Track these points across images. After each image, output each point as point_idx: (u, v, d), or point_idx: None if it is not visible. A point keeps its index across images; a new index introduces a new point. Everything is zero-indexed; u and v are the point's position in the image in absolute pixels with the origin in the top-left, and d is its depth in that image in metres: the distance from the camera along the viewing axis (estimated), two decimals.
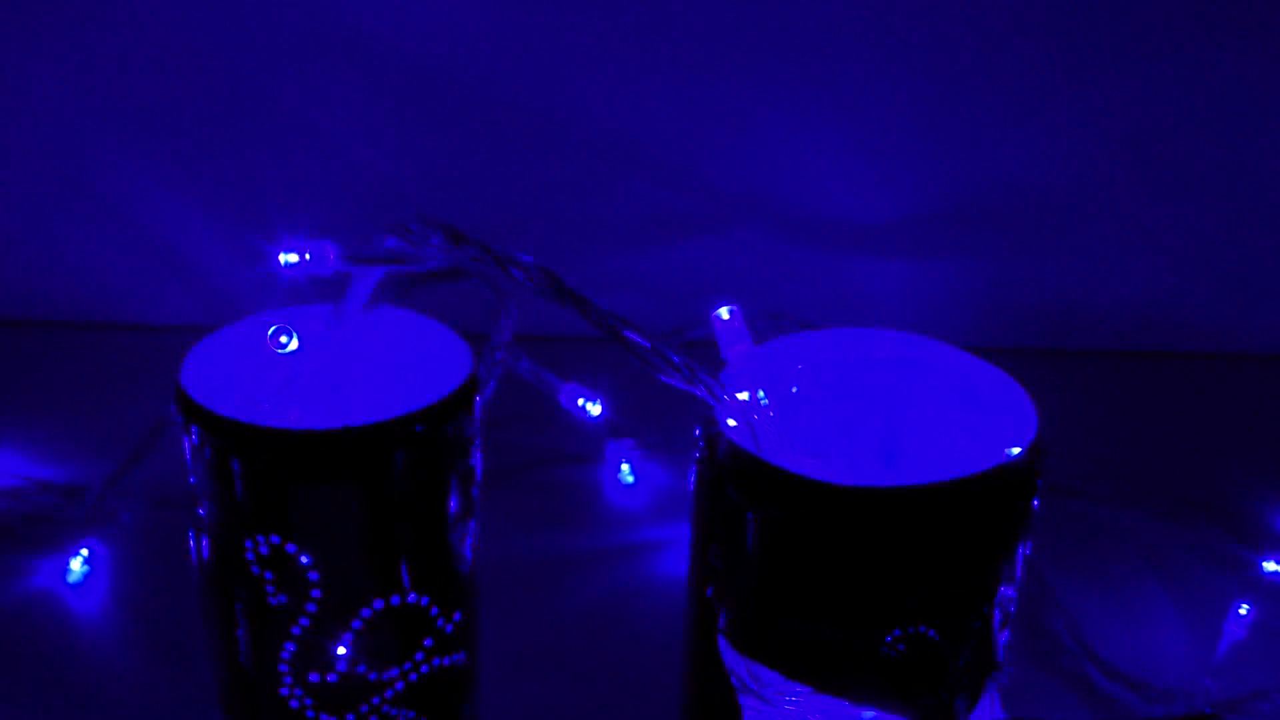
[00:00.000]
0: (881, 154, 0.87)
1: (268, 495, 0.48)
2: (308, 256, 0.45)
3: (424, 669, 0.52)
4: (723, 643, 0.47)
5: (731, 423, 0.45)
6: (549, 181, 0.88)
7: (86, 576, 0.75)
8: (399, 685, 0.52)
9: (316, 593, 0.49)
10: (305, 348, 0.51)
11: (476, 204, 0.85)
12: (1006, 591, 0.46)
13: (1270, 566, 0.74)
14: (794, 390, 0.49)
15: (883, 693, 0.46)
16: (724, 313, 0.46)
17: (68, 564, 0.75)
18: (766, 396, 0.45)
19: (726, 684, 0.47)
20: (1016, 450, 0.45)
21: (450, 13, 0.84)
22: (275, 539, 0.49)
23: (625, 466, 0.67)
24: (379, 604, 0.50)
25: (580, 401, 0.59)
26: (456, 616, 0.53)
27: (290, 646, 0.50)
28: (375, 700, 0.52)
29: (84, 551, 0.75)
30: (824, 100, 0.87)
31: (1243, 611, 0.70)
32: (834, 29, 0.85)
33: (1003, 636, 0.48)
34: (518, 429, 0.80)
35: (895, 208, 0.90)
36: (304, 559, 0.49)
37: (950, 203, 0.90)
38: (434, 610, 0.52)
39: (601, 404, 0.59)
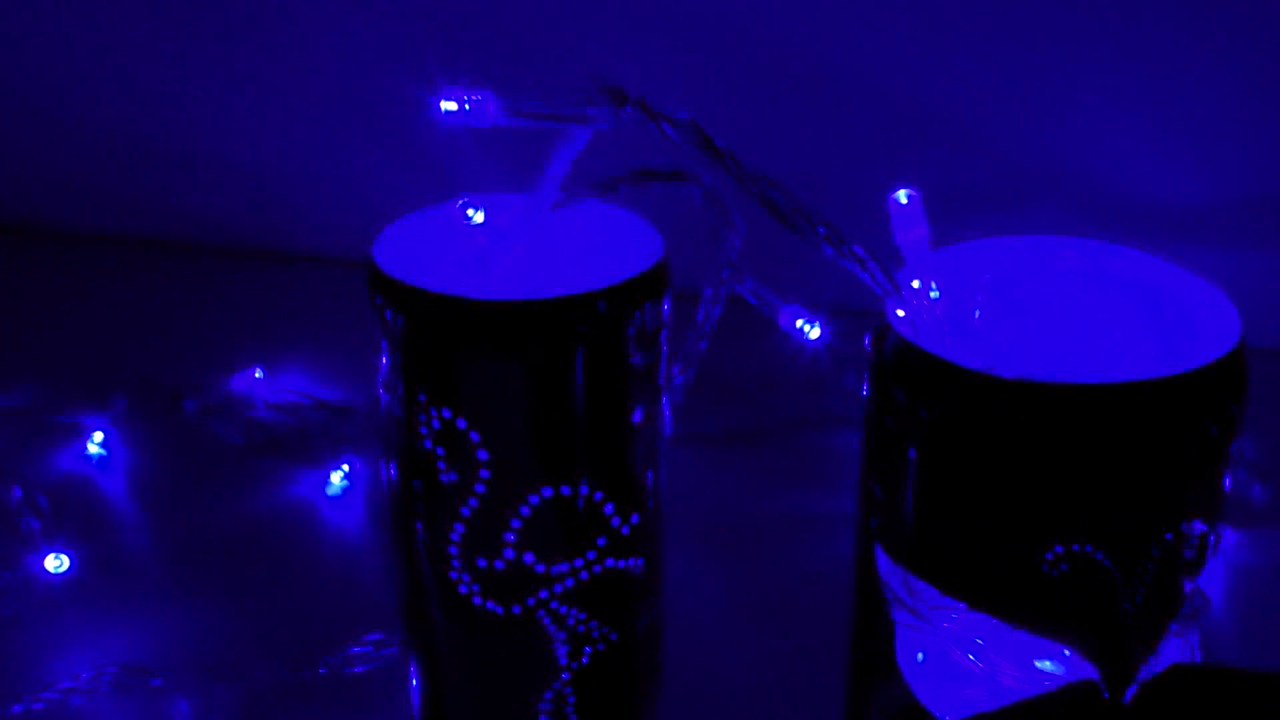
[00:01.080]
0: (1201, 133, 0.82)
1: (439, 365, 0.48)
2: (467, 105, 0.45)
3: (596, 569, 0.51)
4: (879, 550, 0.44)
5: (900, 313, 0.43)
6: (841, 146, 0.86)
7: (345, 490, 0.77)
8: (569, 582, 0.51)
9: (485, 473, 0.49)
10: (501, 231, 0.51)
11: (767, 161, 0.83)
12: (1196, 522, 0.42)
13: None
14: (976, 306, 0.46)
15: (1043, 617, 0.42)
16: (902, 196, 0.43)
17: (329, 477, 0.77)
18: (939, 290, 0.42)
19: (883, 599, 0.45)
20: (1212, 358, 0.41)
21: None
22: (446, 413, 0.48)
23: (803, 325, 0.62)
24: (548, 492, 0.49)
25: (799, 323, 0.57)
26: (634, 519, 0.51)
27: (459, 528, 0.50)
28: (543, 594, 0.51)
29: (345, 467, 0.77)
30: (1139, 73, 0.82)
31: None
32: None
33: (1198, 576, 0.43)
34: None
35: (1213, 192, 0.84)
36: (474, 435, 0.48)
37: (1275, 189, 0.84)
38: (608, 508, 0.50)
39: (822, 329, 0.57)
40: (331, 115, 0.95)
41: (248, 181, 0.99)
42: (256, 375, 0.83)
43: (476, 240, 0.51)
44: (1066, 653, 0.42)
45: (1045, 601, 0.42)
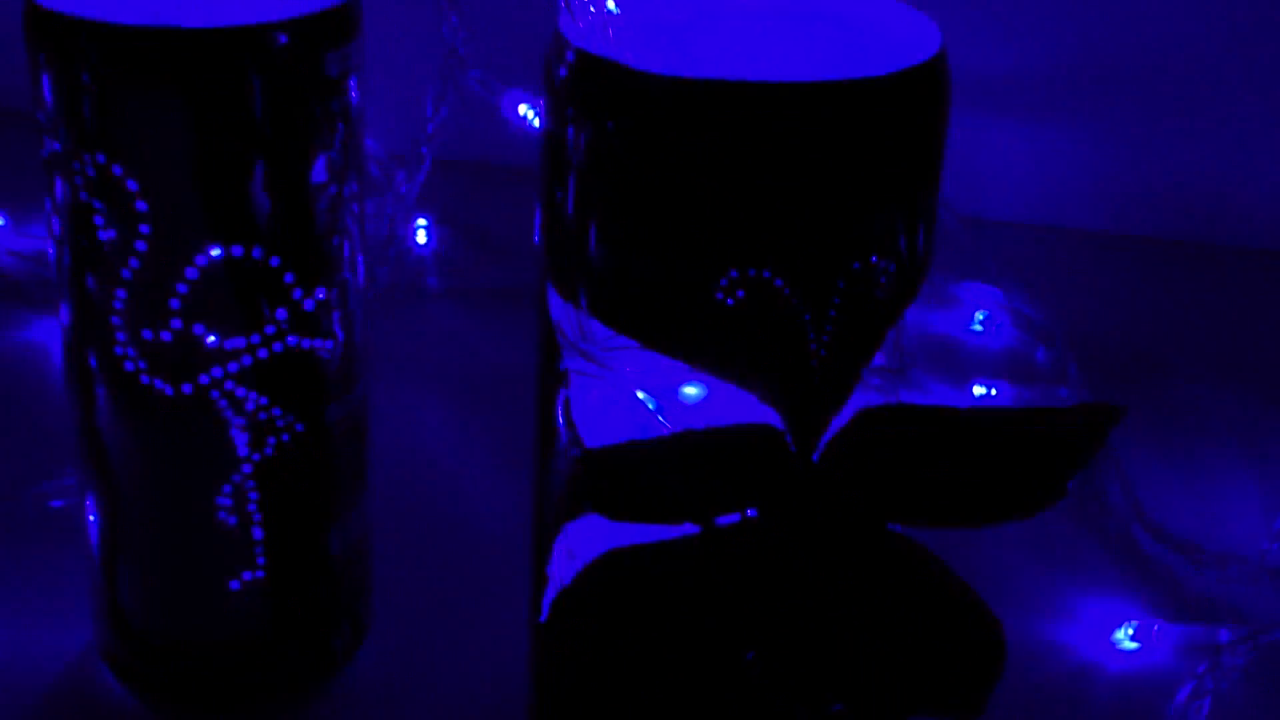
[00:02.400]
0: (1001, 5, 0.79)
1: (91, 100, 0.43)
2: None
3: (276, 346, 0.47)
4: (550, 292, 0.40)
5: (577, 24, 0.38)
6: None
7: None
8: (245, 359, 0.46)
9: (145, 228, 0.44)
10: None
11: None
12: (885, 259, 0.38)
13: None
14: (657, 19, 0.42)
15: (723, 356, 0.38)
16: None
17: None
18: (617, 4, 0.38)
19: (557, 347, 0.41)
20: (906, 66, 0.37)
21: None
22: (101, 158, 0.44)
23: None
24: (217, 252, 0.45)
25: (522, 109, 0.53)
26: (320, 293, 0.47)
27: (121, 294, 0.45)
28: (217, 372, 0.46)
29: None
30: None
31: None
32: None
33: (895, 322, 0.40)
34: None
35: (1010, 57, 0.81)
36: (131, 184, 0.44)
37: (1073, 58, 0.81)
38: (288, 277, 0.46)
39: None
40: None
41: None
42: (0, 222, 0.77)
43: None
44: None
45: (724, 337, 0.38)
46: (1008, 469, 0.38)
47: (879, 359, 0.40)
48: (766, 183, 0.36)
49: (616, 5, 0.38)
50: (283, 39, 0.43)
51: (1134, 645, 0.57)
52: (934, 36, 0.39)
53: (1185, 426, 0.69)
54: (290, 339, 0.47)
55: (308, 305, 0.47)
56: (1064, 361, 0.70)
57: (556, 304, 0.40)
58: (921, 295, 0.41)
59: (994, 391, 0.70)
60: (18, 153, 0.89)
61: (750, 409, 0.38)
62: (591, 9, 0.38)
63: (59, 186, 0.45)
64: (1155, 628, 0.56)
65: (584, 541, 0.41)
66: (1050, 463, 0.38)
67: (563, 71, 0.39)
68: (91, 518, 0.50)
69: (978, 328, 0.75)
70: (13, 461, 0.62)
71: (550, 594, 0.43)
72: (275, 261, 0.46)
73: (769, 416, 0.38)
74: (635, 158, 0.37)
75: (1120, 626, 0.57)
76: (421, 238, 0.73)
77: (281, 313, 0.46)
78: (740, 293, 0.37)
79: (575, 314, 0.39)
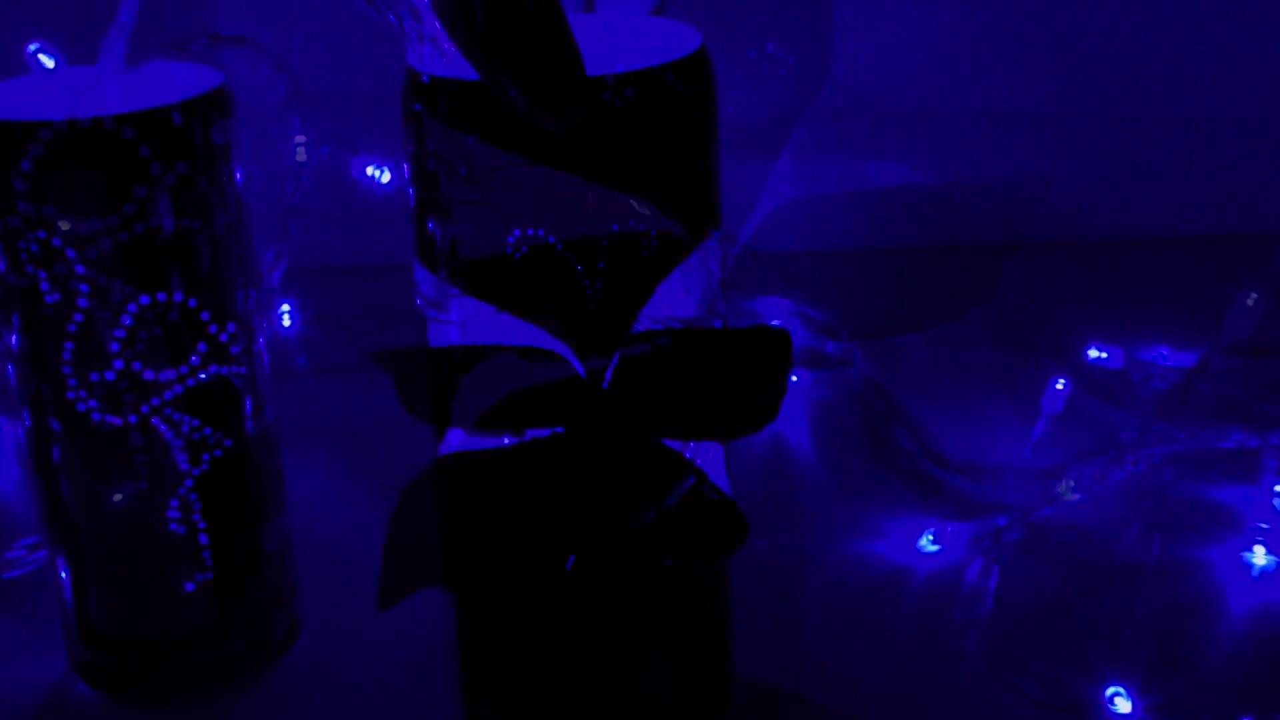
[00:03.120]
0: (748, 49, 0.92)
1: (29, 188, 0.53)
2: None
3: (202, 375, 0.57)
4: (415, 265, 0.51)
5: (441, 55, 0.49)
6: None
7: None
8: (178, 389, 0.56)
9: (85, 287, 0.54)
10: (84, 88, 0.56)
11: None
12: (643, 223, 0.49)
13: (1093, 354, 0.77)
14: None
15: (521, 300, 0.49)
16: None
17: None
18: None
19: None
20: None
21: None
22: (42, 234, 0.54)
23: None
24: (145, 299, 0.55)
25: (370, 170, 0.64)
26: (230, 328, 0.57)
27: (69, 345, 0.55)
28: (156, 402, 0.56)
29: None
30: None
31: (1059, 387, 0.73)
32: None
33: (691, 279, 0.51)
34: None
35: (773, 106, 0.95)
36: (70, 253, 0.54)
37: (828, 98, 0.95)
38: (204, 315, 0.56)
39: (391, 173, 0.64)
40: None
41: None
42: None
43: (63, 95, 0.57)
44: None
45: (517, 285, 0.49)
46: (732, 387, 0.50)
47: (691, 311, 0.52)
48: (538, 158, 0.48)
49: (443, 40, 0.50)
50: (178, 118, 0.54)
51: (935, 548, 0.68)
52: (694, 41, 0.51)
53: (953, 380, 0.82)
54: (212, 368, 0.57)
55: (222, 338, 0.57)
56: (850, 349, 0.83)
57: (418, 272, 0.51)
58: (725, 313, 0.53)
59: (795, 379, 0.82)
60: None
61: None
62: (432, 42, 0.49)
63: (4, 264, 0.55)
64: (949, 529, 0.68)
65: None
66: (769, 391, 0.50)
67: (417, 92, 0.50)
68: (57, 545, 0.59)
69: None
70: None
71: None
72: (193, 303, 0.56)
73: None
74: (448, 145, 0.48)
75: (922, 535, 0.69)
76: (286, 321, 0.83)
77: (202, 346, 0.56)
78: (524, 249, 0.48)
79: (429, 276, 0.51)
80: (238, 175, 0.57)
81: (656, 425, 0.51)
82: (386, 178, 0.64)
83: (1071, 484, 0.68)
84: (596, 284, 0.49)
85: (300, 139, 0.63)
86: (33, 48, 0.54)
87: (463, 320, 0.50)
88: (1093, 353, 0.79)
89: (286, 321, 0.83)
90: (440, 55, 0.49)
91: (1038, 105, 0.97)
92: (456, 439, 0.52)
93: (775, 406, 0.51)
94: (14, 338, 0.56)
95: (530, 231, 0.48)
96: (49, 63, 0.54)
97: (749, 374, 0.51)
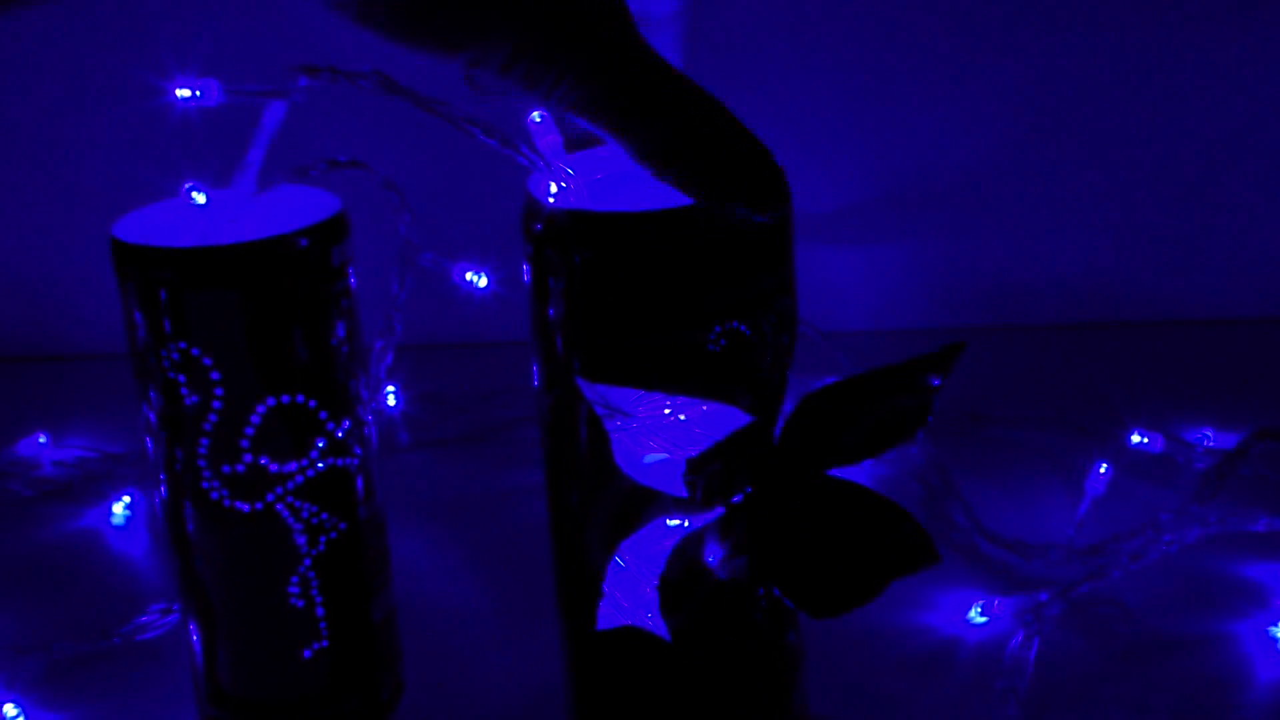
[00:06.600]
0: (817, 147, 0.99)
1: (171, 306, 0.61)
2: (198, 91, 0.59)
3: (320, 466, 0.64)
4: (581, 383, 0.58)
5: (553, 188, 0.57)
6: None
7: (128, 519, 0.89)
8: (299, 479, 0.64)
9: (220, 390, 0.62)
10: (216, 211, 0.64)
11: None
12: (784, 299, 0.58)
13: (1136, 439, 0.83)
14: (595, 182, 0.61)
15: (715, 383, 0.56)
16: (536, 116, 0.58)
17: (112, 509, 0.89)
18: (575, 171, 0.57)
19: (598, 424, 0.58)
20: None
21: None
22: (183, 345, 0.62)
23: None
24: (272, 402, 0.62)
25: (469, 275, 0.71)
26: (345, 424, 0.65)
27: (205, 442, 0.63)
28: (280, 490, 0.64)
29: (126, 498, 0.89)
30: (749, 99, 0.99)
31: (1102, 471, 0.79)
32: (750, 31, 0.98)
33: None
34: None
35: (838, 197, 1.01)
36: (206, 360, 0.62)
37: (887, 189, 1.01)
38: (323, 414, 0.64)
39: (488, 277, 0.71)
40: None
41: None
42: (40, 441, 0.94)
43: (199, 219, 0.64)
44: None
45: (714, 373, 0.56)
46: (893, 408, 0.58)
47: None
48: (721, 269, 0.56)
49: (569, 172, 0.57)
50: (304, 242, 0.62)
51: (983, 619, 0.74)
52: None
53: (1007, 460, 0.89)
54: (329, 460, 0.64)
55: (339, 434, 0.64)
56: None
57: (587, 388, 0.58)
58: (791, 393, 0.60)
59: None
60: (58, 390, 1.07)
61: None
62: (556, 175, 0.57)
63: (150, 374, 0.63)
64: (996, 603, 0.74)
65: (634, 556, 0.59)
66: (919, 401, 0.58)
67: (545, 223, 0.57)
68: (190, 616, 0.66)
69: None
70: (93, 615, 0.79)
71: (606, 605, 0.60)
72: (313, 404, 0.63)
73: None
74: (624, 275, 0.56)
75: (972, 608, 0.75)
76: (391, 401, 0.91)
77: (320, 441, 0.64)
78: (724, 341, 0.56)
79: (601, 390, 0.57)
80: (353, 284, 0.64)
81: (827, 460, 0.58)
82: (484, 282, 0.71)
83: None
84: (768, 356, 0.57)
85: (407, 244, 0.71)
86: (187, 185, 0.61)
87: (650, 418, 0.57)
88: (1135, 438, 0.85)
89: (391, 401, 0.91)
90: (563, 189, 0.56)
91: (1090, 190, 1.03)
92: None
93: (926, 412, 0.58)
94: (157, 432, 0.64)
95: (731, 325, 0.55)
96: (201, 199, 0.62)
97: (903, 393, 0.58)
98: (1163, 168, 1.03)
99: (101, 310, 1.04)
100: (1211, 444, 0.86)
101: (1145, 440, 0.85)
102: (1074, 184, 1.03)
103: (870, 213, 1.03)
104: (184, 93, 0.60)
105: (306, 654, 0.66)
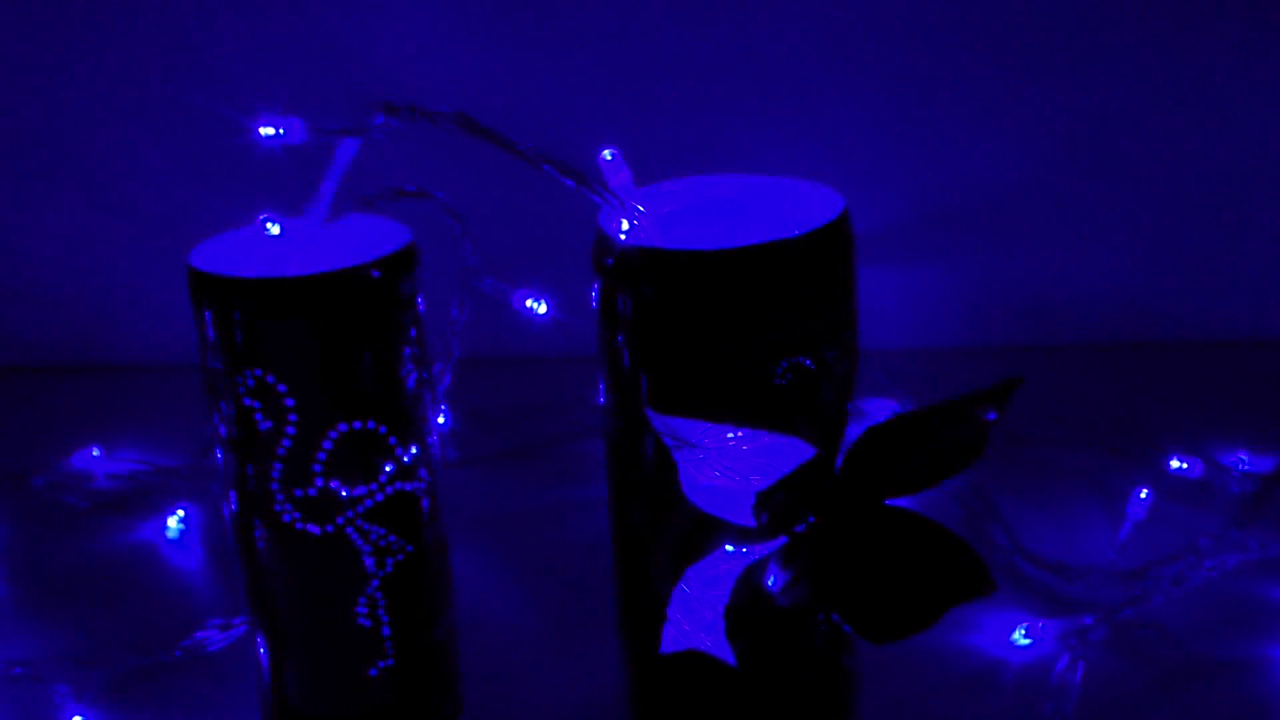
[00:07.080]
0: (858, 168, 1.01)
1: (248, 335, 0.63)
2: (281, 130, 0.61)
3: (389, 490, 0.66)
4: (650, 413, 0.60)
5: (625, 225, 0.59)
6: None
7: (181, 532, 0.90)
8: (368, 503, 0.65)
9: (293, 417, 0.64)
10: (287, 240, 0.66)
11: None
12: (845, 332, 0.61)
13: (1175, 464, 0.85)
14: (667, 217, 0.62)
15: (780, 416, 0.58)
16: (607, 154, 0.60)
17: (167, 523, 0.90)
18: (645, 207, 0.59)
19: (664, 450, 0.60)
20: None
21: None
22: (258, 371, 0.63)
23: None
24: (344, 428, 0.64)
25: (529, 302, 0.73)
26: (413, 449, 0.66)
27: (278, 466, 0.64)
28: (350, 514, 0.65)
29: (180, 512, 0.91)
30: (793, 123, 1.01)
31: (1143, 495, 0.80)
32: (794, 58, 1.00)
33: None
34: None
35: (878, 217, 1.03)
36: (281, 388, 0.63)
37: (925, 210, 1.03)
38: (392, 440, 0.65)
39: (547, 304, 0.73)
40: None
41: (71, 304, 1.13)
42: (94, 454, 0.96)
43: (271, 248, 0.66)
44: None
45: (781, 404, 0.58)
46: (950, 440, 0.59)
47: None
48: (792, 306, 0.58)
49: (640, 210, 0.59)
50: (375, 274, 0.63)
51: (1027, 641, 0.76)
52: (837, 205, 0.60)
53: (1044, 481, 0.90)
54: (397, 484, 0.66)
55: (406, 459, 0.66)
56: None
57: (656, 419, 0.60)
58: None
59: None
60: (110, 401, 1.08)
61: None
62: (627, 212, 0.59)
63: (223, 397, 0.64)
64: (1040, 625, 0.76)
65: (698, 581, 0.60)
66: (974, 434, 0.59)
67: (609, 260, 0.59)
68: (259, 634, 0.68)
69: None
70: (151, 628, 0.80)
71: (670, 629, 0.62)
72: (383, 430, 0.65)
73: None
74: (696, 307, 0.58)
75: (1015, 630, 0.76)
76: (440, 419, 0.92)
77: (389, 466, 0.66)
78: (790, 375, 0.57)
79: (669, 421, 0.59)
80: (421, 310, 0.66)
81: (886, 491, 0.60)
82: (543, 309, 0.72)
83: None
84: (830, 388, 0.58)
85: (466, 269, 0.72)
86: (263, 216, 0.62)
87: (715, 449, 0.58)
88: (1174, 463, 0.86)
89: (441, 419, 0.92)
90: (634, 225, 0.58)
91: (1126, 211, 1.05)
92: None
93: (982, 445, 0.59)
94: (228, 451, 0.65)
95: (796, 359, 0.58)
96: (275, 230, 0.63)
97: (959, 427, 0.60)
98: (1198, 188, 1.04)
99: (155, 322, 1.06)
100: (1247, 467, 0.87)
101: (1184, 465, 0.86)
102: (1110, 205, 1.04)
103: (909, 233, 1.05)
104: (268, 130, 0.62)
105: (372, 672, 0.68)
